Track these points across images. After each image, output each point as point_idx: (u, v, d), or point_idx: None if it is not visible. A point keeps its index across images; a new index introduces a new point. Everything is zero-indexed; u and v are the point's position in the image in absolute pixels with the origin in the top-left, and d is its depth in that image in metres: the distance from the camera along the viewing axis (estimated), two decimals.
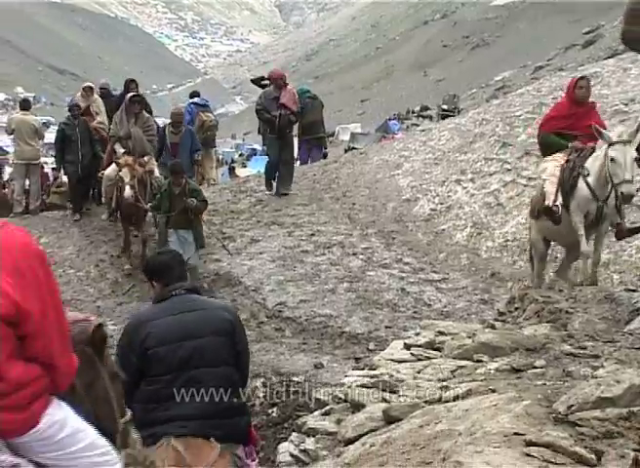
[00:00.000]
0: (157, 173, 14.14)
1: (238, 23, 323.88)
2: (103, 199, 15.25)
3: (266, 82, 18.05)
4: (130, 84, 16.33)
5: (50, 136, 23.08)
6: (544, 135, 10.22)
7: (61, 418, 3.28)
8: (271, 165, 16.46)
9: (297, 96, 16.26)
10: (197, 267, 12.79)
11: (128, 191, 13.00)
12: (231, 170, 34.36)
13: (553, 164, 9.73)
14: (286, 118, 15.72)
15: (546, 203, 9.58)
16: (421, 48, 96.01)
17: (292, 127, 16.51)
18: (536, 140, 15.38)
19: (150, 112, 15.65)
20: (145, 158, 13.90)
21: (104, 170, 14.99)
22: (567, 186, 9.35)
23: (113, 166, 13.95)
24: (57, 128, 17.35)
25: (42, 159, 20.56)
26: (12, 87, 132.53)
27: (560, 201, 9.46)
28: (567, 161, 9.53)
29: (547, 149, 10.15)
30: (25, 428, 3.13)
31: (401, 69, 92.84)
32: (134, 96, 14.62)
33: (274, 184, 16.54)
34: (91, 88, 16.95)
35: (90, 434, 3.40)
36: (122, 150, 14.01)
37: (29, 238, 3.27)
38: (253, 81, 20.24)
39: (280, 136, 15.93)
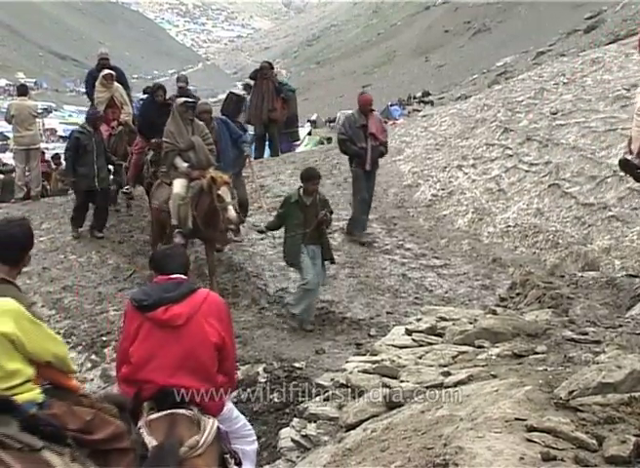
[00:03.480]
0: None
1: (239, 9, 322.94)
2: (174, 220, 12.01)
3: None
4: (157, 91, 14.46)
5: (49, 121, 23.03)
6: None
7: (231, 406, 5.82)
8: (362, 204, 13.82)
9: (383, 122, 14.34)
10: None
11: (234, 213, 11.31)
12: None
13: None
14: (377, 150, 13.59)
15: (626, 155, 8.22)
16: (423, 33, 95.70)
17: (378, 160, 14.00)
18: (537, 126, 15.45)
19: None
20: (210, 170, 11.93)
21: (137, 181, 14.37)
22: None
23: (182, 182, 12.01)
24: (70, 135, 15.40)
25: (42, 145, 20.51)
26: (13, 72, 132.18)
27: None
28: None
29: None
30: (220, 409, 5.40)
31: (402, 55, 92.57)
32: (188, 101, 12.53)
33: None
34: (112, 76, 15.74)
35: (242, 418, 5.89)
36: (185, 164, 12.06)
37: (220, 297, 5.63)
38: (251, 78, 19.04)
39: (370, 170, 13.66)
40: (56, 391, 4.48)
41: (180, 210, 11.84)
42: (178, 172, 12.12)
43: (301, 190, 11.20)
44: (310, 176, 11.23)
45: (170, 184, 12.19)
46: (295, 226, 11.07)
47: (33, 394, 4.24)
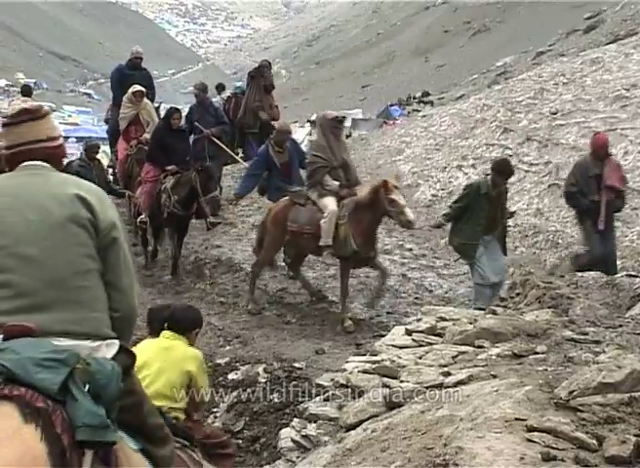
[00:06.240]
0: None
1: (239, 9, 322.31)
2: (328, 240, 10.92)
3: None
4: (174, 114, 13.56)
5: None
6: None
7: None
8: (591, 262, 10.88)
9: (622, 169, 11.57)
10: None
11: (412, 214, 10.72)
12: None
13: None
14: (613, 205, 11.08)
15: None
16: (422, 33, 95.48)
17: None
18: (537, 126, 15.46)
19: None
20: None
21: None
22: None
23: (334, 200, 11.04)
24: (66, 167, 14.51)
25: None
26: (12, 73, 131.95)
27: None
28: None
29: None
30: None
31: (402, 55, 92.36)
32: (338, 117, 11.63)
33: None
34: (142, 93, 14.84)
35: None
36: (336, 182, 11.15)
37: None
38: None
39: (604, 229, 11.01)
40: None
41: (341, 230, 10.81)
42: (325, 190, 11.24)
43: (490, 182, 10.61)
44: (511, 173, 10.72)
45: (303, 205, 11.39)
46: (480, 219, 10.45)
47: (178, 414, 5.63)
